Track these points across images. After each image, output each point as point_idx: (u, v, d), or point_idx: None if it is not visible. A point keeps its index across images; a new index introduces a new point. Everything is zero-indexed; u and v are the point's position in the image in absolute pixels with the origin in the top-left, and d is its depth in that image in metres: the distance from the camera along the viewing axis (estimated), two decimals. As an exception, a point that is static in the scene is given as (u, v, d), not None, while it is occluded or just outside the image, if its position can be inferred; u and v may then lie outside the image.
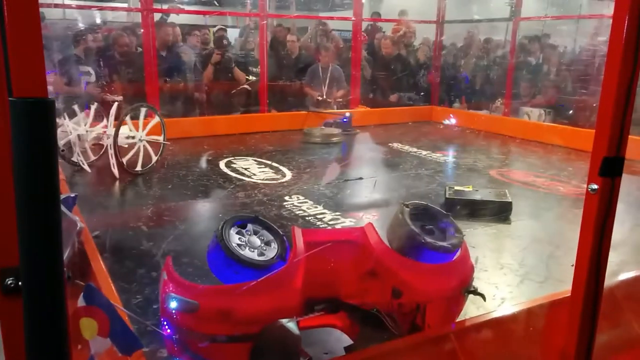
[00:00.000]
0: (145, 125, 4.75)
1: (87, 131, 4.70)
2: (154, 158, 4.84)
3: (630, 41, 1.42)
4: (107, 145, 4.66)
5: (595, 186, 1.51)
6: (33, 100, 0.88)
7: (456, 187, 4.08)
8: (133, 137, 4.67)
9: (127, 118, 4.64)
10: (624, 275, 2.30)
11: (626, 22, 1.40)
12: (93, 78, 6.10)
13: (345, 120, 7.05)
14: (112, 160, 4.51)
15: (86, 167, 4.66)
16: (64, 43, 6.25)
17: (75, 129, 4.64)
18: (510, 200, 3.85)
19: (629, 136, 1.52)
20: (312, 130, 6.68)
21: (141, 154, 4.73)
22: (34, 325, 0.91)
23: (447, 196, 3.88)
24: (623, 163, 1.51)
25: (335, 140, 6.49)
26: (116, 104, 4.84)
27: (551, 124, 6.93)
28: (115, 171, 4.53)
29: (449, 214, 2.05)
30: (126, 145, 4.65)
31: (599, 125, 1.50)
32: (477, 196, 3.91)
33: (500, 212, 3.78)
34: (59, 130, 4.56)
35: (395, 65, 8.23)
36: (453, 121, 7.35)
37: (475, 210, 3.77)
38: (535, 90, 7.47)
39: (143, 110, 4.74)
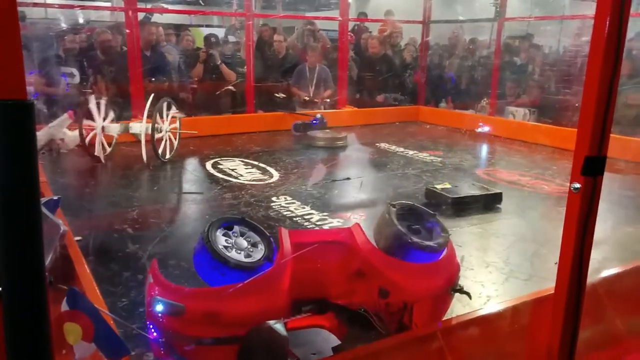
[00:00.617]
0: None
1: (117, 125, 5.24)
2: (175, 145, 5.39)
3: (611, 41, 1.43)
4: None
5: (577, 185, 1.53)
6: (12, 102, 0.87)
7: (437, 186, 4.12)
8: (161, 130, 5.11)
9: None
10: (606, 272, 2.33)
11: (607, 22, 1.41)
12: (77, 79, 6.05)
13: (315, 122, 6.83)
14: (144, 150, 4.96)
15: (102, 159, 5.07)
16: (46, 43, 6.18)
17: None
18: (500, 191, 4.08)
19: (611, 135, 1.54)
20: (316, 132, 6.47)
21: (167, 143, 5.21)
22: (15, 331, 0.90)
23: (451, 197, 3.91)
24: (605, 162, 1.53)
25: (340, 144, 6.25)
26: (152, 96, 5.24)
27: (536, 123, 6.99)
28: (145, 157, 4.97)
29: (435, 213, 2.06)
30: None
31: (581, 125, 1.51)
32: (473, 191, 4.05)
33: (493, 203, 3.99)
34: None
35: (381, 65, 8.25)
36: (486, 128, 7.05)
37: (472, 205, 3.90)
38: (520, 90, 7.54)
39: (165, 105, 5.20)
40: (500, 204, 4.04)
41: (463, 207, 3.88)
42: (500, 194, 4.09)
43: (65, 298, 1.42)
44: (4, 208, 0.88)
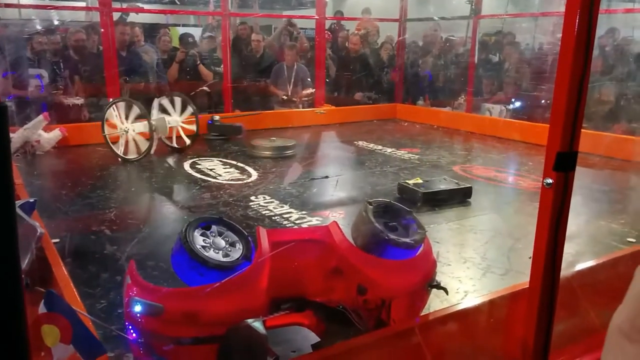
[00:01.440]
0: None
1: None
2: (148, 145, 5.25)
3: (581, 38, 1.46)
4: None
5: (550, 180, 1.56)
6: (-16, 104, 0.86)
7: (408, 181, 4.22)
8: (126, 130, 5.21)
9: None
10: (580, 266, 2.39)
11: (577, 19, 1.44)
12: (46, 80, 5.96)
13: (210, 122, 6.33)
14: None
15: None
16: (19, 45, 6.07)
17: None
18: (470, 185, 4.25)
19: (584, 130, 1.58)
20: (261, 141, 5.74)
21: (133, 143, 5.21)
22: (-8, 335, 0.89)
23: (422, 192, 4.00)
24: (576, 157, 1.56)
25: (289, 154, 5.65)
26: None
27: (511, 119, 7.10)
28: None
29: (412, 210, 2.09)
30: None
31: (553, 121, 1.54)
32: (445, 186, 4.18)
33: (463, 197, 4.17)
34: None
35: (359, 63, 8.28)
36: (517, 104, 6.99)
37: (447, 200, 4.08)
38: (496, 87, 7.65)
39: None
40: (470, 198, 4.16)
41: (435, 201, 3.98)
42: (470, 188, 4.21)
43: (42, 300, 1.41)
44: (-23, 211, 0.87)
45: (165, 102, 5.55)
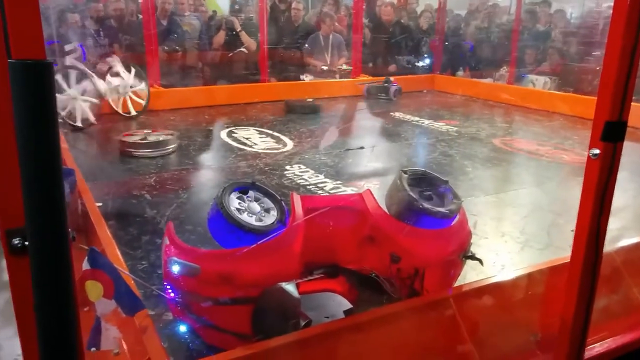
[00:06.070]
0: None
1: None
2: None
3: (635, 2, 1.39)
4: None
5: (596, 151, 1.50)
6: (31, 62, 0.88)
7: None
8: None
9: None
10: (624, 242, 2.31)
11: (632, -17, 1.37)
12: (79, 52, 6.04)
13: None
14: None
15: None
16: (63, 14, 6.16)
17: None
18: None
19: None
20: (133, 137, 4.59)
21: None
22: (42, 283, 0.94)
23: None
24: (625, 127, 1.50)
25: (169, 150, 4.45)
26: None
27: (556, 91, 6.85)
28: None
29: (447, 180, 2.05)
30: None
31: (602, 89, 1.47)
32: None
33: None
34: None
35: (397, 32, 8.09)
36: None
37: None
38: (541, 57, 7.37)
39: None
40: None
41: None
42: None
43: (86, 257, 1.46)
44: (27, 166, 0.90)
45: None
